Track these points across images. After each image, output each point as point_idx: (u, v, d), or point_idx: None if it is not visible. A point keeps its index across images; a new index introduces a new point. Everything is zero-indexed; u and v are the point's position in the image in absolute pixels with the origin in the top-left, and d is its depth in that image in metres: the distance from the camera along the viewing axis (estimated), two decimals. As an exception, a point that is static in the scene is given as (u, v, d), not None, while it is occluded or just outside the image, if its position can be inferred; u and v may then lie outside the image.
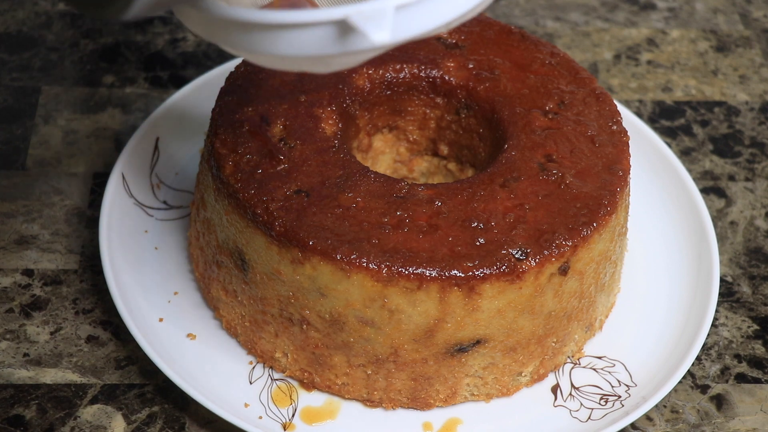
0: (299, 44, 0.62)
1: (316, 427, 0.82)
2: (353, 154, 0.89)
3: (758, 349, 0.91)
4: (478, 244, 0.78)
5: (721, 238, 0.98)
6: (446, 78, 0.90)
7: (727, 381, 0.88)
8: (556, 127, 0.86)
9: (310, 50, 0.62)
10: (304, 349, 0.82)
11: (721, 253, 0.97)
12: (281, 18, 0.61)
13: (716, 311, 0.92)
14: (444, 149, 0.94)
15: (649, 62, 1.14)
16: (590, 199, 0.81)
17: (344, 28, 0.61)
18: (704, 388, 0.88)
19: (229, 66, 1.01)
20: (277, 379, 0.84)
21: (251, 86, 0.87)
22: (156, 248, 0.91)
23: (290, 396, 0.83)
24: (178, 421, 0.83)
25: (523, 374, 0.84)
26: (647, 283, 0.92)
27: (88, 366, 0.86)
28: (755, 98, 1.12)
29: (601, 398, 0.84)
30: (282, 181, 0.80)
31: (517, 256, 0.77)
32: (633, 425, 0.85)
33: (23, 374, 0.85)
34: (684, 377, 0.88)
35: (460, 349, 0.80)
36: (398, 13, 0.60)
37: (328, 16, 0.61)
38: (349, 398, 0.84)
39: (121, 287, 0.86)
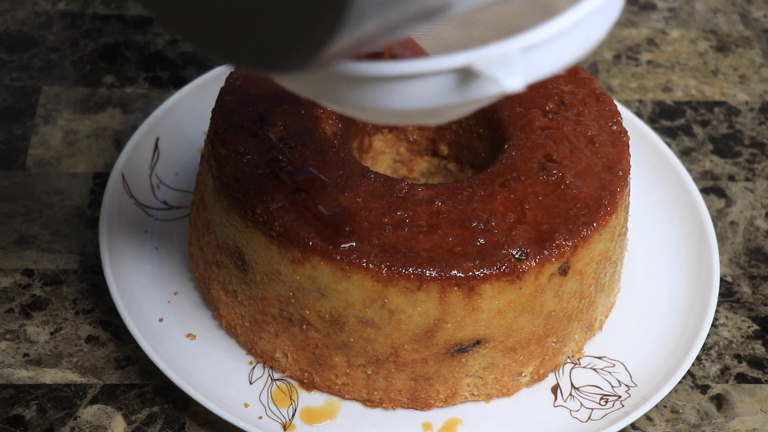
0: (415, 96, 0.56)
1: (316, 428, 0.82)
2: (353, 154, 0.89)
3: (758, 349, 0.91)
4: (478, 244, 0.78)
5: (721, 238, 0.98)
6: (446, 78, 0.90)
7: (727, 381, 0.88)
8: (556, 127, 0.86)
9: (426, 102, 0.56)
10: (304, 349, 0.82)
11: (721, 253, 0.97)
12: (397, 69, 0.55)
13: (716, 311, 0.92)
14: (444, 149, 0.94)
15: (649, 62, 1.14)
16: (590, 199, 0.81)
17: (466, 75, 0.56)
18: (704, 388, 0.88)
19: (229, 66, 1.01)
20: (277, 379, 0.84)
21: (251, 86, 0.87)
22: (156, 248, 0.91)
23: (290, 396, 0.83)
24: (178, 421, 0.83)
25: (523, 374, 0.84)
26: (647, 283, 0.92)
27: (88, 366, 0.86)
28: (755, 98, 1.12)
29: (601, 398, 0.84)
30: (281, 181, 0.80)
31: (517, 256, 0.77)
32: (633, 425, 0.85)
33: (23, 374, 0.85)
34: (684, 377, 0.88)
35: (460, 349, 0.80)
36: (523, 56, 0.56)
37: (450, 64, 0.55)
38: (349, 398, 0.84)
39: (121, 287, 0.86)
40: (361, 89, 0.56)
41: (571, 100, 0.88)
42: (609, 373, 0.86)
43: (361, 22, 0.49)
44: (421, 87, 0.56)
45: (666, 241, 0.95)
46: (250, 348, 0.85)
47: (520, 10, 0.67)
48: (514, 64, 0.55)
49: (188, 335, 0.86)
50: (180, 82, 1.07)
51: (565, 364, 0.87)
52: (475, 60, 0.55)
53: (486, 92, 0.57)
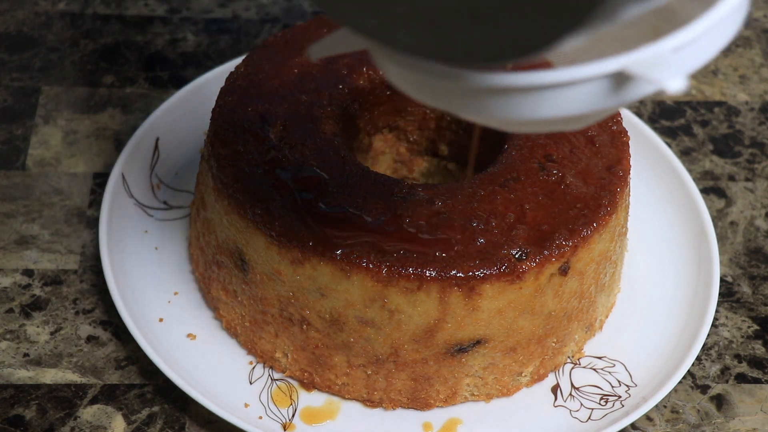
0: (566, 104, 0.57)
1: (316, 428, 0.82)
2: (353, 154, 0.89)
3: (758, 349, 0.91)
4: (478, 244, 0.78)
5: (721, 238, 0.98)
6: (446, 78, 0.90)
7: (727, 381, 0.88)
8: (556, 127, 0.86)
9: (577, 108, 0.57)
10: (304, 349, 0.82)
11: (721, 253, 0.97)
12: (551, 78, 0.56)
13: (716, 311, 0.92)
14: (444, 149, 0.94)
15: (649, 62, 1.14)
16: (590, 199, 0.81)
17: (620, 79, 0.57)
18: (704, 388, 0.88)
19: (229, 66, 1.01)
20: (277, 379, 0.84)
21: (251, 86, 0.87)
22: (156, 248, 0.91)
23: (290, 396, 0.83)
24: (178, 421, 0.83)
25: (523, 374, 0.84)
26: (647, 283, 0.92)
27: (88, 366, 0.86)
28: (755, 98, 1.12)
29: (601, 398, 0.84)
30: (282, 181, 0.80)
31: (517, 256, 0.77)
32: (633, 425, 0.85)
33: (23, 374, 0.85)
34: (684, 377, 0.88)
35: (460, 349, 0.80)
36: (675, 56, 0.56)
37: (604, 69, 0.56)
38: (349, 398, 0.84)
39: (121, 287, 0.86)
40: (512, 100, 0.57)
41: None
42: (609, 373, 0.86)
43: (605, 16, 0.49)
44: (574, 94, 0.56)
45: (666, 241, 0.95)
46: (250, 348, 0.85)
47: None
48: (671, 65, 0.56)
49: (188, 335, 0.86)
50: (180, 82, 1.07)
51: (565, 364, 0.87)
52: (629, 64, 0.56)
53: (637, 94, 0.57)
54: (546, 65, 0.68)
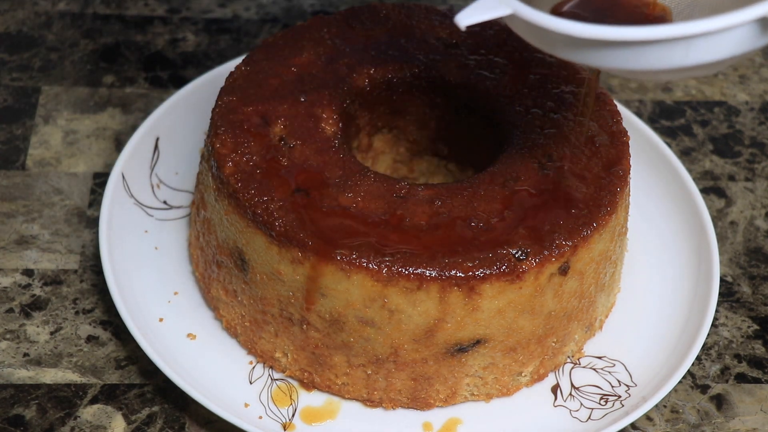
0: (713, 49, 0.64)
1: (316, 427, 0.82)
2: (353, 154, 0.89)
3: (758, 349, 0.91)
4: (478, 244, 0.78)
5: (721, 238, 0.98)
6: (446, 78, 0.90)
7: (727, 381, 0.88)
8: (556, 127, 0.86)
9: (721, 53, 0.65)
10: (304, 349, 0.82)
11: (721, 253, 0.97)
12: (701, 27, 0.63)
13: (716, 311, 0.92)
14: (444, 149, 0.94)
15: (649, 62, 1.14)
16: (590, 199, 0.81)
17: (764, 24, 0.64)
18: (704, 388, 0.88)
19: (229, 66, 1.01)
20: (277, 379, 0.84)
21: (251, 86, 0.87)
22: (156, 248, 0.91)
23: (290, 396, 0.83)
24: (178, 421, 0.83)
25: (523, 374, 0.84)
26: (647, 283, 0.92)
27: (88, 366, 0.86)
28: (755, 98, 1.12)
29: (601, 398, 0.84)
30: (282, 181, 0.80)
31: (517, 256, 0.77)
32: (633, 425, 0.85)
33: (23, 374, 0.85)
34: (684, 377, 0.88)
35: (460, 349, 0.80)
36: None
37: (750, 15, 0.63)
38: (349, 398, 0.84)
39: (121, 287, 0.86)
40: (664, 50, 0.63)
41: (571, 99, 0.88)
42: (609, 373, 0.86)
43: None
44: (720, 40, 0.64)
45: (666, 241, 0.95)
46: (250, 348, 0.85)
47: None
48: None
49: (188, 335, 0.86)
50: (180, 82, 1.07)
51: (565, 364, 0.87)
52: None
53: None
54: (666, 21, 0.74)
